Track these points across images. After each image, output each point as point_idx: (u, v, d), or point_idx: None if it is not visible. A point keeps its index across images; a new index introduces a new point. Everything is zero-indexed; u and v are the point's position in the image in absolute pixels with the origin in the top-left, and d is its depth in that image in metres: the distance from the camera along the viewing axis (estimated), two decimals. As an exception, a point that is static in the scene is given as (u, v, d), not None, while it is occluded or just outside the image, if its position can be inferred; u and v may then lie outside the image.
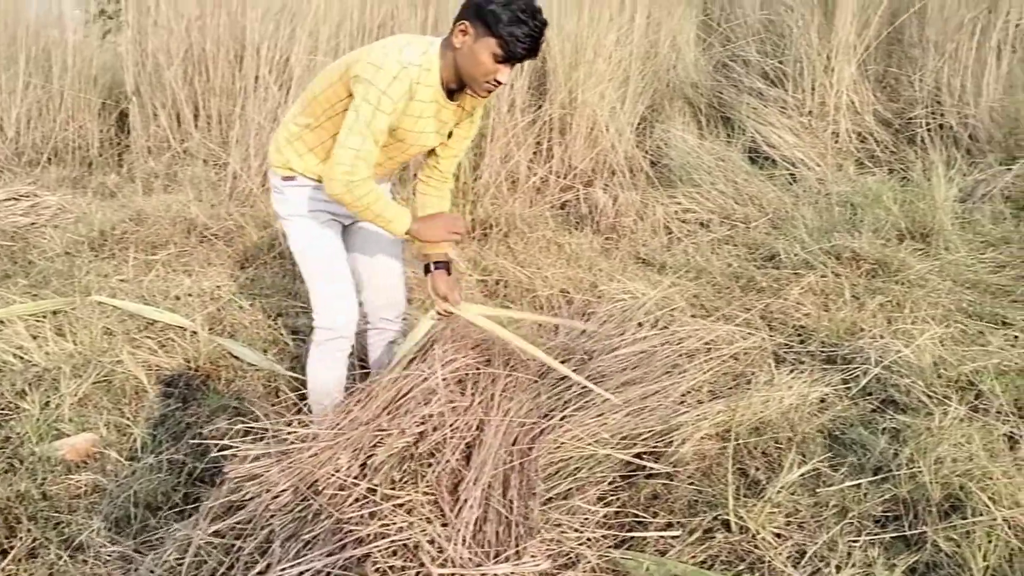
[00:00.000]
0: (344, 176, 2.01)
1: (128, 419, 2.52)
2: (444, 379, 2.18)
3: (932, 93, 5.44)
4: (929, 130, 5.27)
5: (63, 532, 2.01)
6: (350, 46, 5.01)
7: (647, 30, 5.71)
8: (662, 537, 2.04)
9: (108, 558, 1.90)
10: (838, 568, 1.87)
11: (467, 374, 2.27)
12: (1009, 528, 1.93)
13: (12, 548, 1.90)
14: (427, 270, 2.39)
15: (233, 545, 1.81)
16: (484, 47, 1.98)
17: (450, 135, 2.30)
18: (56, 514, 2.07)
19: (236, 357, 2.96)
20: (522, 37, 1.95)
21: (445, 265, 2.38)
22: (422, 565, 1.76)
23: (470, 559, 1.76)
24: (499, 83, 2.05)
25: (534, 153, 5.25)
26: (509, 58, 1.99)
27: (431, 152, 2.36)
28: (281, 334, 3.15)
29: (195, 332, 3.04)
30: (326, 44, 5.24)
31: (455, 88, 2.15)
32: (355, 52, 2.16)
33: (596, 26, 5.14)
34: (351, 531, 1.82)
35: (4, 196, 4.61)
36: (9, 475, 2.20)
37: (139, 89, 5.80)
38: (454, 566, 1.74)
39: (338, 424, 2.08)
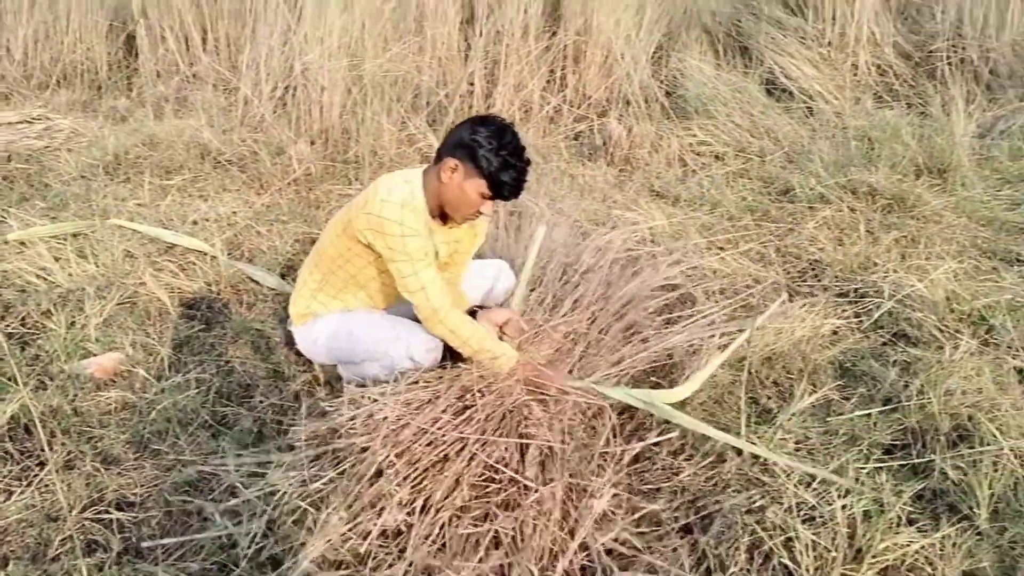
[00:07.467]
0: (430, 315, 2.15)
1: (153, 339, 2.57)
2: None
3: (954, 26, 5.32)
4: (950, 64, 5.18)
5: (96, 446, 2.08)
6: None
7: (665, -46, 5.56)
8: (674, 459, 2.11)
9: (142, 468, 1.97)
10: (847, 492, 1.93)
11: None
12: (1015, 458, 1.98)
13: (50, 460, 1.97)
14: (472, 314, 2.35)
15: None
16: (473, 186, 2.12)
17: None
18: (88, 428, 2.14)
19: (256, 281, 2.99)
20: (511, 181, 2.11)
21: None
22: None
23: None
24: (480, 214, 2.20)
25: (547, 81, 5.17)
26: (495, 197, 2.15)
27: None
28: (300, 259, 3.17)
29: (215, 256, 3.07)
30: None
31: (438, 215, 2.27)
32: (355, 202, 2.25)
33: (613, -51, 5.00)
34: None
35: (17, 119, 4.58)
36: (41, 391, 2.25)
37: (146, 11, 5.68)
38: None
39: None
